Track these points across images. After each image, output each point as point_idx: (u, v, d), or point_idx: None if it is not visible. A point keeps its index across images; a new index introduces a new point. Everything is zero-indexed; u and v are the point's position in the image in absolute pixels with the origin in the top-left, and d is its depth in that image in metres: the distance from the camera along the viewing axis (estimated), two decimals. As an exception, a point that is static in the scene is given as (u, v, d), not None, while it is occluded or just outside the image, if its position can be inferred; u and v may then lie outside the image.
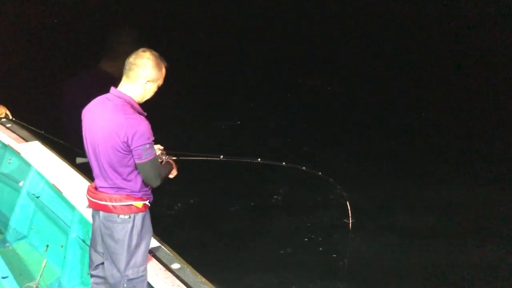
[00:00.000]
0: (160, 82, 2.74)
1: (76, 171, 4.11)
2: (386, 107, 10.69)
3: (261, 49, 14.48)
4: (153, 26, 15.77)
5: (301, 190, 7.24)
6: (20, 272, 3.87)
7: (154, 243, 3.20)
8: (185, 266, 3.06)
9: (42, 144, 4.68)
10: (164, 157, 2.95)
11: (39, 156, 4.45)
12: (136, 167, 2.65)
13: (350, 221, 3.55)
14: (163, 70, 2.72)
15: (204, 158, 3.30)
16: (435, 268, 5.66)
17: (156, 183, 2.71)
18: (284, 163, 3.55)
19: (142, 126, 2.56)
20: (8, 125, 5.10)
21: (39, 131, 4.80)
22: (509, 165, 8.05)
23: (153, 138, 2.63)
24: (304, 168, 3.57)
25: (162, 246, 3.22)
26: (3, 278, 3.06)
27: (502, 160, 8.29)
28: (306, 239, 6.12)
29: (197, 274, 3.01)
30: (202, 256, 5.27)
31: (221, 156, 3.25)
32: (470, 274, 5.49)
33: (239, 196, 7.18)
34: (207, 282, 2.95)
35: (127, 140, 2.54)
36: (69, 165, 4.22)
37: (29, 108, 7.60)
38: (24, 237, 4.34)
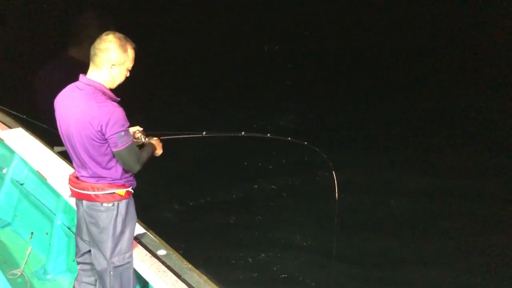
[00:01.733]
0: (129, 64, 2.64)
1: (61, 158, 4.07)
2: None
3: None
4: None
5: (287, 163, 7.31)
6: (5, 259, 3.84)
7: (140, 229, 3.20)
8: (171, 252, 3.06)
9: (25, 130, 4.62)
10: (144, 139, 2.90)
11: (22, 142, 4.39)
12: (113, 155, 2.61)
13: (337, 193, 3.48)
14: (130, 51, 2.61)
15: (186, 136, 3.20)
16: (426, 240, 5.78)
17: (135, 168, 2.65)
18: (269, 135, 3.51)
19: (115, 114, 2.50)
20: (-9, 112, 5.02)
21: (21, 116, 4.71)
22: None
23: (128, 124, 2.58)
24: (289, 138, 3.54)
25: (148, 233, 3.22)
26: (-13, 266, 3.04)
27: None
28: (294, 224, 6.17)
29: (183, 260, 3.02)
30: (188, 242, 5.30)
31: (204, 133, 3.18)
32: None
33: (225, 176, 7.20)
34: (193, 268, 2.96)
35: (101, 129, 2.49)
36: (53, 151, 4.18)
37: (10, 94, 7.51)
38: (8, 224, 4.30)
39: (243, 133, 3.41)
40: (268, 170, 7.53)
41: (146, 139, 2.91)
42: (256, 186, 7.05)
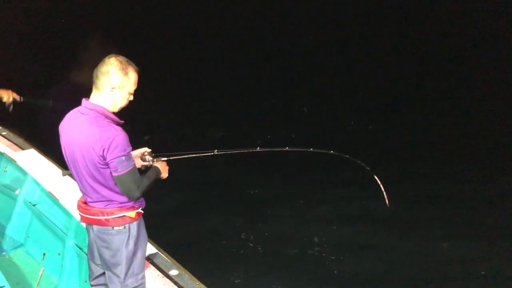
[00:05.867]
0: (131, 87, 2.61)
1: (72, 178, 4.09)
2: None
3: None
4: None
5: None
6: (17, 281, 3.85)
7: (151, 249, 3.20)
8: (183, 272, 3.05)
9: (37, 151, 4.66)
10: (153, 161, 2.85)
11: (35, 163, 4.43)
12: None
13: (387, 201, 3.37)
14: (132, 75, 2.59)
15: (196, 155, 3.10)
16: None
17: (135, 195, 2.59)
18: (311, 149, 3.42)
19: (117, 138, 2.47)
20: (3, 133, 5.08)
21: (48, 102, 4.58)
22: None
23: (129, 149, 2.54)
24: (331, 152, 3.44)
25: (160, 253, 3.21)
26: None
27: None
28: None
29: (196, 280, 3.00)
30: (200, 262, 5.26)
31: (215, 151, 3.09)
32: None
33: (237, 194, 7.15)
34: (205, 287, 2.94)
35: (103, 153, 2.46)
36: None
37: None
38: (21, 245, 4.32)
39: (258, 148, 3.29)
40: (295, 185, 7.45)
41: (155, 160, 2.87)
42: (272, 204, 7.01)
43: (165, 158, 2.91)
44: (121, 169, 2.50)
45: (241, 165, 7.37)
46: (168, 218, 6.43)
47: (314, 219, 6.50)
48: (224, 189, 7.36)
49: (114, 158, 2.47)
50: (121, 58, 2.59)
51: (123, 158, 2.49)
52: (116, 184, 2.58)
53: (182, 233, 6.24)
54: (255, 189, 7.33)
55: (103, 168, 2.52)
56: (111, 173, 2.54)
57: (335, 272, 5.42)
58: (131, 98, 2.68)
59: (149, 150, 2.92)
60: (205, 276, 3.19)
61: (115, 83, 2.55)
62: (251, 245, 6.06)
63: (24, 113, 4.83)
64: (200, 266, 4.82)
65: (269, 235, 6.22)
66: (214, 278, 4.13)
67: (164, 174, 2.83)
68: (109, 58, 2.58)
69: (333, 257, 5.65)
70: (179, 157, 3.00)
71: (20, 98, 4.56)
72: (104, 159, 2.49)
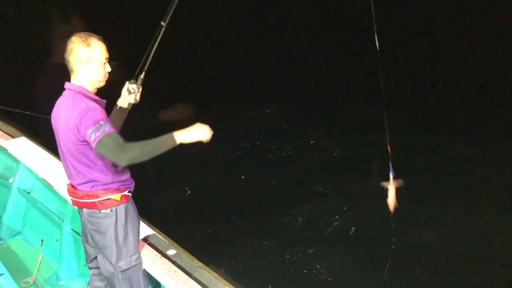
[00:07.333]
0: (98, 57, 2.59)
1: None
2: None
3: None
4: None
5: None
6: (17, 268, 3.87)
7: (149, 230, 3.21)
8: (181, 252, 3.07)
9: (28, 139, 4.64)
10: (135, 85, 2.88)
11: (27, 151, 4.41)
12: (100, 157, 2.57)
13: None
14: (95, 44, 2.58)
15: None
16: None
17: (121, 158, 2.42)
18: None
19: (87, 112, 2.45)
20: (-7, 123, 5.04)
21: (25, 112, 4.64)
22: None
23: (103, 121, 2.46)
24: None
25: (157, 233, 3.23)
26: (-1, 275, 3.06)
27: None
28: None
29: (193, 259, 3.03)
30: (199, 242, 5.30)
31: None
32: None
33: (232, 173, 7.17)
34: (203, 266, 2.97)
35: (78, 129, 2.46)
36: (58, 158, 4.19)
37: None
38: (18, 233, 4.33)
39: None
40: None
41: (139, 83, 2.89)
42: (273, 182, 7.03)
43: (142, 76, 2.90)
44: (95, 137, 2.42)
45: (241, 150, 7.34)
46: (164, 196, 6.44)
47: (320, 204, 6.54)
48: (223, 169, 7.37)
49: (86, 130, 2.44)
50: (81, 33, 2.60)
51: (94, 127, 2.43)
52: (97, 162, 2.57)
53: (177, 212, 6.26)
54: (253, 170, 7.36)
55: (82, 145, 2.51)
56: (90, 151, 2.53)
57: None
58: (108, 68, 2.67)
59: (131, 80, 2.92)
60: (202, 255, 3.21)
61: (81, 57, 2.57)
62: (251, 224, 6.11)
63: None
64: (197, 244, 4.88)
65: (269, 214, 6.27)
66: (211, 256, 4.16)
67: (188, 135, 2.58)
68: (70, 38, 2.59)
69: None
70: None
71: None
72: (80, 134, 2.47)
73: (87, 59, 2.58)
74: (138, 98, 2.95)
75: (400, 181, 3.10)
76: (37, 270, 3.82)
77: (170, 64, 11.17)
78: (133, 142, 2.46)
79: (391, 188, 3.08)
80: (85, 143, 2.50)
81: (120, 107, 2.95)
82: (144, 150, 2.46)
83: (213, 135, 2.63)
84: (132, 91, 2.92)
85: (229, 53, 13.27)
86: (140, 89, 2.94)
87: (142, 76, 2.95)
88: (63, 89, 2.65)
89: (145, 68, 2.96)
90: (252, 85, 11.24)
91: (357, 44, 10.95)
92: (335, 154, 7.85)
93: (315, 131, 8.77)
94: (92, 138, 2.42)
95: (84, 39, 2.57)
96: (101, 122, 2.45)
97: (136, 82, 2.93)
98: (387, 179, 3.10)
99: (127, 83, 2.94)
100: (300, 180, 7.14)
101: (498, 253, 5.41)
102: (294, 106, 9.99)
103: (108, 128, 2.45)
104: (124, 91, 2.94)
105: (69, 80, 2.66)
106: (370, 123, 8.26)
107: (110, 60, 2.68)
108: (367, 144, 7.67)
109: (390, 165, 3.08)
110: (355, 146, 8.07)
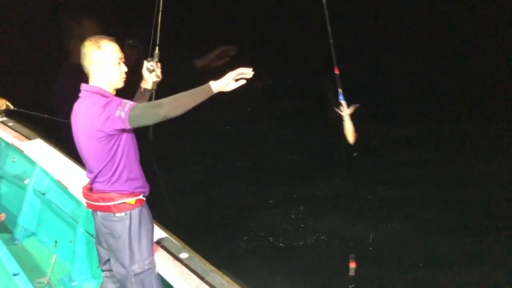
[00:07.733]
0: (112, 58, 2.61)
1: (80, 166, 4.12)
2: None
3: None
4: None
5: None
6: (31, 268, 3.91)
7: (161, 233, 3.22)
8: (194, 255, 3.07)
9: (44, 141, 4.69)
10: (153, 62, 2.88)
11: (42, 153, 4.46)
12: (118, 162, 2.59)
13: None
14: (105, 46, 2.60)
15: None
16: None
17: (160, 112, 2.38)
18: None
19: (110, 102, 2.48)
20: (10, 124, 5.10)
21: (43, 115, 4.69)
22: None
23: (124, 100, 2.50)
24: None
25: (170, 237, 3.23)
26: (14, 275, 3.08)
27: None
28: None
29: (206, 262, 3.02)
30: (211, 246, 5.29)
31: None
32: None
33: (245, 177, 7.15)
34: (216, 270, 2.97)
35: (99, 124, 2.47)
36: (73, 160, 4.23)
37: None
38: (33, 234, 4.39)
39: None
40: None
41: (155, 60, 2.88)
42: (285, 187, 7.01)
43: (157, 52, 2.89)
44: (125, 112, 2.43)
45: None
46: (178, 200, 6.45)
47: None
48: (236, 172, 7.36)
49: (114, 113, 2.44)
50: (92, 37, 2.63)
51: (120, 107, 2.45)
52: (117, 167, 2.59)
53: (192, 215, 6.26)
54: (263, 171, 7.34)
55: (104, 142, 2.52)
56: (110, 150, 2.54)
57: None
58: (124, 68, 2.68)
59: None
60: (215, 259, 3.20)
61: (94, 60, 2.59)
62: (262, 227, 6.07)
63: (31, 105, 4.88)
64: (211, 249, 4.87)
65: (282, 219, 6.22)
66: (225, 261, 4.14)
67: (222, 81, 2.51)
68: (82, 43, 2.63)
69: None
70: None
71: (14, 108, 4.71)
72: (102, 130, 2.48)
73: (100, 61, 2.60)
74: (159, 74, 2.95)
75: (353, 106, 2.85)
76: (51, 271, 3.85)
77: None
78: (167, 97, 2.45)
79: (346, 115, 2.84)
80: (105, 138, 2.51)
81: (145, 89, 2.97)
82: (181, 100, 2.44)
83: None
84: (152, 68, 2.91)
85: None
86: (159, 65, 2.94)
87: (156, 51, 2.94)
88: (79, 91, 2.67)
89: (157, 42, 2.96)
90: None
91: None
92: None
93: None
94: (123, 115, 2.43)
95: (95, 42, 2.60)
96: (124, 101, 2.50)
97: (153, 59, 2.92)
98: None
99: (144, 62, 2.93)
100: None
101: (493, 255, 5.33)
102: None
103: (133, 102, 2.52)
104: (144, 71, 2.94)
105: (86, 82, 2.68)
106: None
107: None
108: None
109: (339, 91, 2.81)
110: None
